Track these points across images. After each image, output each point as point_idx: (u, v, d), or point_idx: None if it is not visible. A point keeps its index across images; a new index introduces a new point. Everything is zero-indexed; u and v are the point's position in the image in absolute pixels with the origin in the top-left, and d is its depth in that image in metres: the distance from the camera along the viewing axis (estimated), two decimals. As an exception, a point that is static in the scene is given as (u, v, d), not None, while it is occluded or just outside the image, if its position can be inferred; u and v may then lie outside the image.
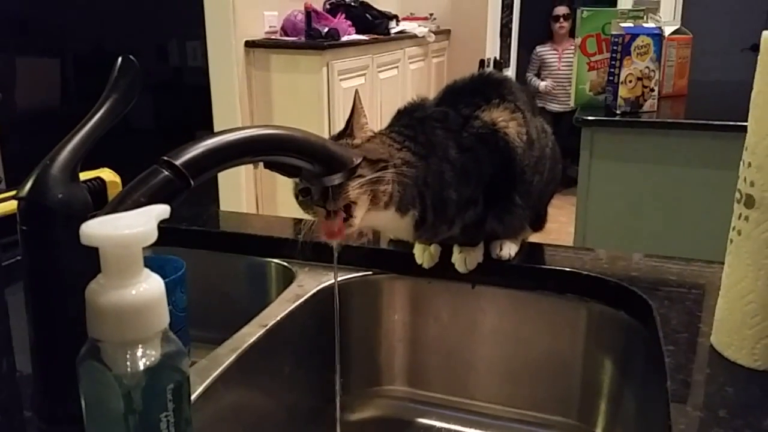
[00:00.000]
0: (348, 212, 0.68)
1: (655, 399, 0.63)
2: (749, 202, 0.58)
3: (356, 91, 0.74)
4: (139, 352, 0.37)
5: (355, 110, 0.71)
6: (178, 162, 0.48)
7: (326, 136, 0.74)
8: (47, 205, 0.46)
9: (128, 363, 0.37)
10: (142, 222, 0.37)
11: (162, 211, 0.39)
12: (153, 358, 0.38)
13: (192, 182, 0.48)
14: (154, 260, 0.80)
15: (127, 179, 0.92)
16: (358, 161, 0.66)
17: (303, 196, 0.69)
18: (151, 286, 0.37)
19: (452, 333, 0.90)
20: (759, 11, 5.75)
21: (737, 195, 0.60)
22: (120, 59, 0.53)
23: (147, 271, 0.38)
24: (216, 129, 3.07)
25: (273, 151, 0.57)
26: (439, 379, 0.92)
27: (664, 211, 2.12)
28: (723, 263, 0.64)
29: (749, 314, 0.60)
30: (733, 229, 0.61)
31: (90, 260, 0.37)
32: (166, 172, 0.47)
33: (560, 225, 4.01)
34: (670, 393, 0.58)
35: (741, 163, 0.60)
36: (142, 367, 0.37)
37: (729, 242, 0.62)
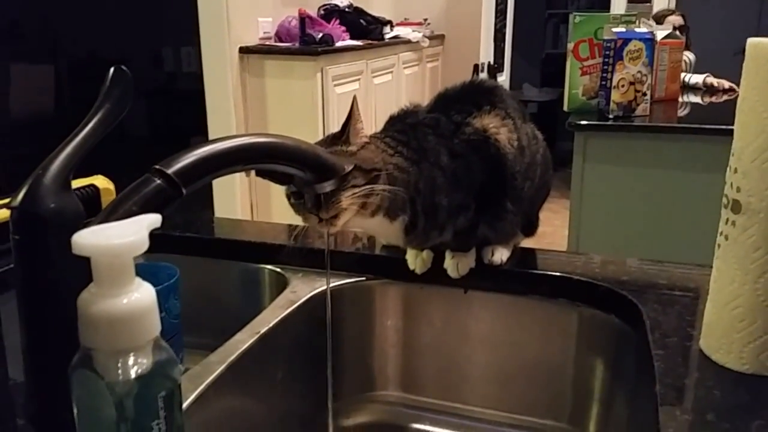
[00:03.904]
0: (335, 216, 0.69)
1: (645, 403, 0.63)
2: (736, 207, 0.59)
3: (354, 97, 0.74)
4: (131, 361, 0.38)
5: (352, 116, 0.72)
6: (170, 171, 0.48)
7: (321, 140, 0.74)
8: (40, 214, 0.47)
9: (120, 371, 0.37)
10: (133, 231, 0.37)
11: (153, 220, 0.39)
12: (145, 367, 0.38)
13: (184, 191, 0.48)
14: (147, 267, 0.81)
15: (121, 185, 0.93)
16: (350, 169, 0.67)
17: (295, 199, 0.70)
18: (142, 294, 0.38)
19: (445, 338, 0.90)
20: (750, 15, 5.79)
21: (724, 200, 0.61)
22: (112, 69, 0.53)
23: (138, 279, 0.38)
24: (210, 134, 3.08)
25: (265, 159, 0.57)
26: (432, 384, 0.92)
27: (657, 213, 2.13)
28: (712, 267, 0.65)
29: (737, 318, 0.60)
30: (721, 233, 0.62)
31: (82, 269, 0.37)
32: (158, 181, 0.47)
33: (555, 228, 4.02)
34: (659, 397, 0.58)
35: (728, 168, 0.61)
36: (133, 376, 0.38)
37: (717, 247, 0.63)
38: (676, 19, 3.74)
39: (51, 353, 0.48)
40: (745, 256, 0.59)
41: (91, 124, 0.51)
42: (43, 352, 0.49)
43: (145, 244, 0.37)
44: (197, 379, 0.66)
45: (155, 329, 0.39)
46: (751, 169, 0.57)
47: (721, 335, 0.62)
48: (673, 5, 4.85)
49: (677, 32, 3.16)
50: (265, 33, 3.21)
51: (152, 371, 0.38)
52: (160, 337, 0.39)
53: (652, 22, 3.06)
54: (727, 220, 0.60)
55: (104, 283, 0.37)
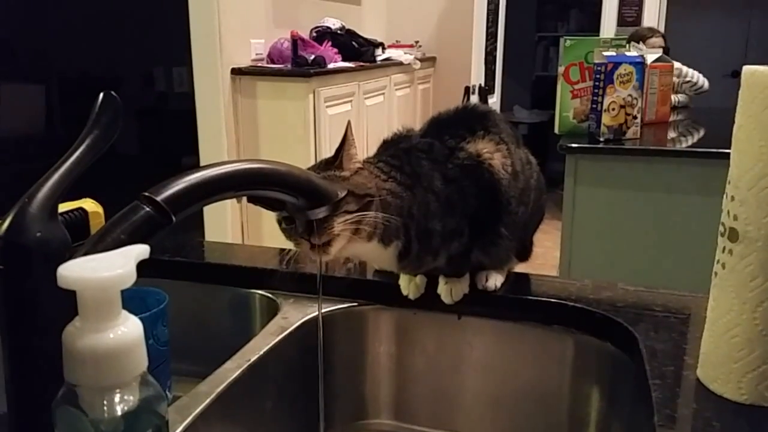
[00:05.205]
0: (327, 243, 0.67)
1: (642, 433, 0.62)
2: (733, 235, 0.58)
3: (348, 122, 0.74)
4: (117, 397, 0.36)
5: (345, 141, 0.71)
6: (159, 198, 0.47)
7: (312, 163, 0.74)
8: (25, 244, 0.45)
9: (105, 408, 0.36)
10: (121, 264, 0.36)
11: (141, 251, 0.38)
12: (131, 403, 0.37)
13: (174, 218, 0.47)
14: (135, 293, 0.79)
15: (110, 205, 0.91)
16: (343, 195, 0.66)
17: (286, 224, 0.69)
18: (129, 329, 0.36)
19: (438, 364, 0.89)
20: (739, 39, 5.86)
21: (721, 228, 0.60)
22: (101, 95, 0.52)
23: (125, 313, 0.37)
24: (202, 155, 3.06)
25: (257, 185, 0.56)
26: (425, 412, 0.91)
27: (648, 236, 2.13)
28: (708, 292, 0.64)
29: (735, 348, 0.59)
30: (717, 262, 0.61)
31: (68, 301, 0.36)
32: (147, 209, 0.46)
33: (546, 250, 4.02)
34: (657, 427, 0.57)
35: (724, 196, 0.60)
36: (119, 413, 0.36)
37: (713, 275, 0.62)
38: (656, 41, 3.80)
39: (35, 387, 0.46)
40: (742, 285, 0.58)
41: (78, 151, 0.50)
42: (27, 385, 0.47)
43: (132, 277, 0.36)
44: (185, 410, 0.65)
45: (142, 364, 0.37)
46: (748, 197, 0.57)
47: (718, 365, 0.61)
48: (662, 27, 4.90)
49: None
50: (257, 54, 3.22)
51: (139, 408, 0.37)
52: (147, 372, 0.38)
53: (642, 46, 3.09)
54: (724, 248, 0.60)
55: (90, 317, 0.36)
